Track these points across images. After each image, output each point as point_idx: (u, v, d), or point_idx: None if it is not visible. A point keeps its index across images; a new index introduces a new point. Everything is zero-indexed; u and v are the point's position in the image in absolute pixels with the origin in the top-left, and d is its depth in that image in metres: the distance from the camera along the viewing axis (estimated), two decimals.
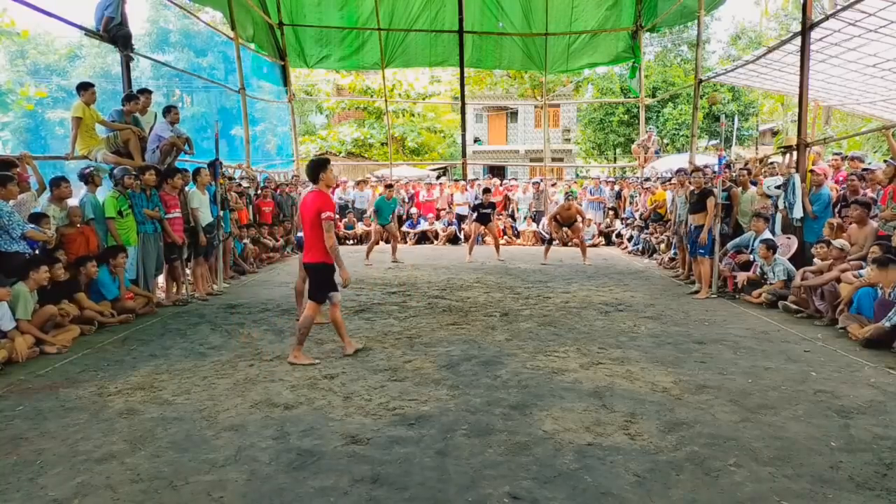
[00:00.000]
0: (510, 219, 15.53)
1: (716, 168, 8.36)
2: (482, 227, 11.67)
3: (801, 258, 7.38)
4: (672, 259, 10.03)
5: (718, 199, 7.44)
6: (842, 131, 19.85)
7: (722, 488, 2.75)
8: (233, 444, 3.24)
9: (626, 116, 26.62)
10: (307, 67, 17.17)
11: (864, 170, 7.62)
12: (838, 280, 5.94)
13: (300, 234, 6.17)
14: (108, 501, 2.69)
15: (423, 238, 15.19)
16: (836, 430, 3.38)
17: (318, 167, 4.75)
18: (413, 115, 29.39)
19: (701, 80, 12.08)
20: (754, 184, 8.55)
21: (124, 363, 4.83)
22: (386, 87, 18.69)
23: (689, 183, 7.93)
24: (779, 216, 8.02)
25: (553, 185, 16.49)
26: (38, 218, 5.67)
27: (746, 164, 10.26)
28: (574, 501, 2.66)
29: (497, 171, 27.44)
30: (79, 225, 6.38)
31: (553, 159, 29.35)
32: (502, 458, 3.06)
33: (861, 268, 5.88)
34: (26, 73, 29.89)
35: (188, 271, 7.91)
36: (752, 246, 7.56)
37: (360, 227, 14.84)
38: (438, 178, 23.08)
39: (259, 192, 12.06)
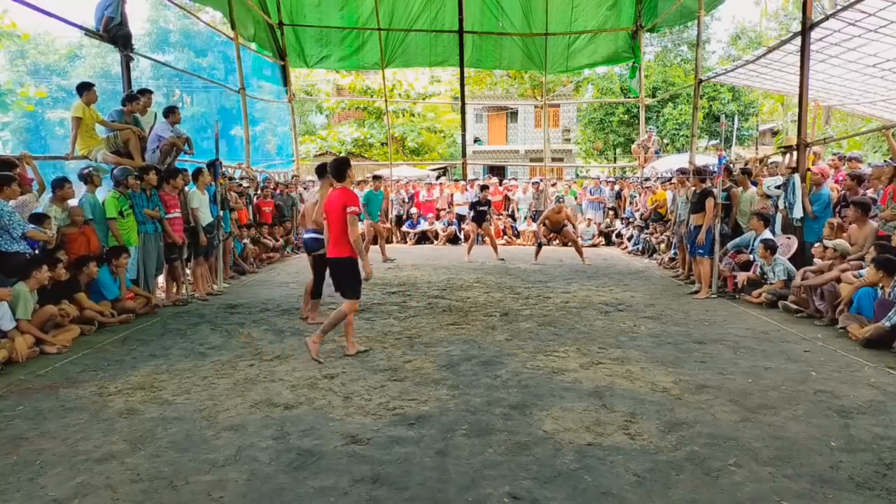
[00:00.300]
0: (510, 219, 15.53)
1: (715, 168, 8.36)
2: (479, 228, 11.64)
3: (801, 258, 7.38)
4: (672, 259, 10.03)
5: (718, 200, 7.44)
6: (842, 131, 19.84)
7: (722, 488, 2.75)
8: (233, 444, 3.25)
9: (626, 116, 26.63)
10: (307, 67, 17.15)
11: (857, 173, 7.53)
12: (838, 280, 5.94)
13: (305, 235, 6.16)
14: (108, 501, 2.69)
15: (423, 238, 15.19)
16: (836, 430, 3.38)
17: (343, 165, 4.86)
18: (413, 115, 29.38)
19: (701, 80, 12.07)
20: (755, 184, 8.55)
21: (124, 363, 4.83)
22: (386, 87, 18.66)
23: (689, 182, 7.92)
24: (779, 216, 8.02)
25: (553, 185, 16.48)
26: (39, 218, 5.66)
27: (746, 164, 10.25)
28: (574, 501, 2.66)
29: (497, 171, 27.40)
30: (80, 225, 6.38)
31: (553, 159, 29.34)
32: (502, 458, 3.06)
33: (861, 268, 5.88)
34: (26, 73, 29.88)
35: (188, 271, 7.91)
36: (752, 246, 7.57)
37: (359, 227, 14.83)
38: (438, 178, 23.06)
39: (259, 192, 12.07)
